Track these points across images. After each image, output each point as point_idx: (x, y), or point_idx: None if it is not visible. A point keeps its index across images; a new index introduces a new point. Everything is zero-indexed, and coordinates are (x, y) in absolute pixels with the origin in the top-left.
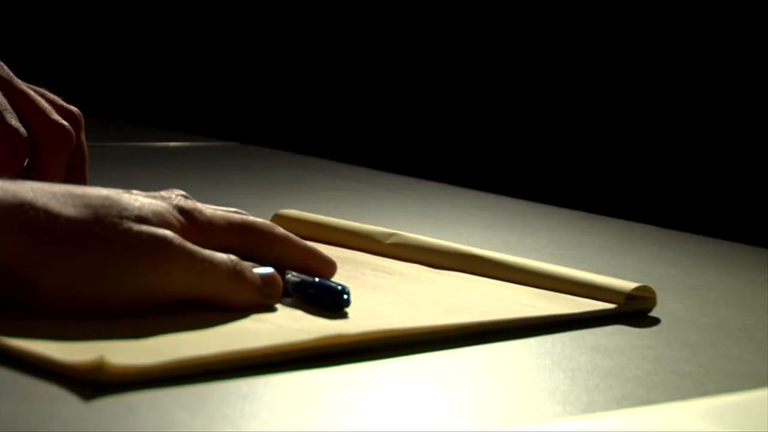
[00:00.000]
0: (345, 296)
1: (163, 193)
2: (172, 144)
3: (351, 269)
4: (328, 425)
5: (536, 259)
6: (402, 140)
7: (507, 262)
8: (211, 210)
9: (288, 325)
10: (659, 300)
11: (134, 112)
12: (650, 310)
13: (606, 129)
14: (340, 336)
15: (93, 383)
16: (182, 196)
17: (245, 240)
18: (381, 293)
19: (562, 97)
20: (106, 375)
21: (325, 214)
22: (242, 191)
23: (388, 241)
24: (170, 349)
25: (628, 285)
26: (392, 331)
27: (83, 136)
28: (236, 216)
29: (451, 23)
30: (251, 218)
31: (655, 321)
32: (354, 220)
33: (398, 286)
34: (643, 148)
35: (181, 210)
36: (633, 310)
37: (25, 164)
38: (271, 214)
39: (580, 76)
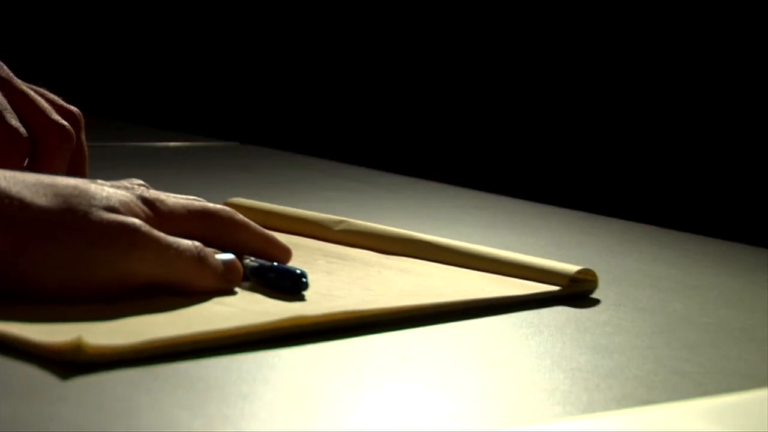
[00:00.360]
0: (303, 280)
1: (124, 182)
2: (172, 144)
3: (303, 255)
4: (328, 425)
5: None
6: (402, 140)
7: (454, 247)
8: (172, 199)
9: (250, 308)
10: (660, 299)
11: (134, 112)
12: (592, 291)
13: (606, 129)
14: (301, 318)
15: (71, 363)
16: (143, 186)
17: (205, 227)
18: (335, 277)
19: (562, 97)
20: (84, 355)
21: (325, 214)
22: (242, 191)
23: (337, 228)
24: (143, 331)
25: (571, 268)
26: (352, 312)
27: (83, 136)
28: (196, 204)
29: (451, 23)
30: (211, 205)
31: (596, 302)
32: (354, 220)
33: (351, 271)
34: (643, 148)
35: (144, 200)
36: (576, 292)
37: (25, 164)
38: None
39: (580, 76)
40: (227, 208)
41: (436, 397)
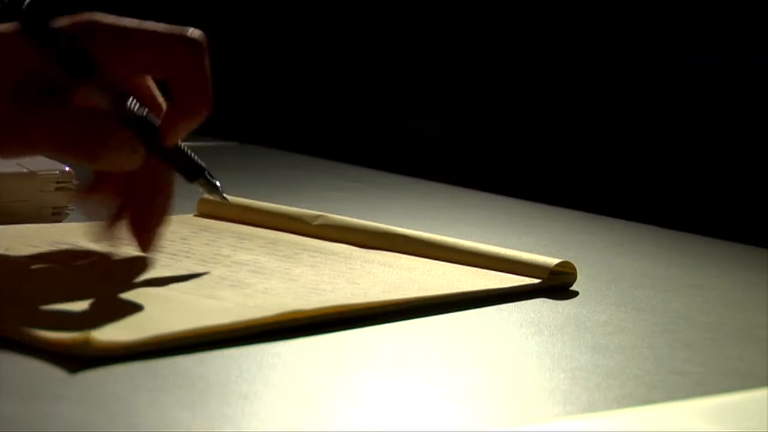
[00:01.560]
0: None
1: None
2: None
3: (284, 249)
4: (328, 425)
5: None
6: (402, 140)
7: (434, 241)
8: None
9: (242, 302)
10: (660, 299)
11: None
12: (572, 284)
13: (606, 129)
14: (298, 312)
15: (71, 361)
16: None
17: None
18: (319, 271)
19: (562, 97)
20: (92, 350)
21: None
22: (242, 191)
23: (315, 223)
24: (147, 327)
25: (551, 261)
26: (346, 306)
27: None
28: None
29: (452, 23)
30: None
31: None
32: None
33: (333, 265)
34: (644, 148)
35: None
36: (555, 285)
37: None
38: None
39: (580, 77)
40: None
41: (436, 397)
